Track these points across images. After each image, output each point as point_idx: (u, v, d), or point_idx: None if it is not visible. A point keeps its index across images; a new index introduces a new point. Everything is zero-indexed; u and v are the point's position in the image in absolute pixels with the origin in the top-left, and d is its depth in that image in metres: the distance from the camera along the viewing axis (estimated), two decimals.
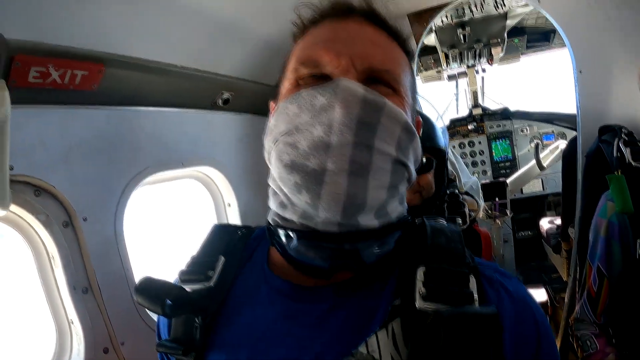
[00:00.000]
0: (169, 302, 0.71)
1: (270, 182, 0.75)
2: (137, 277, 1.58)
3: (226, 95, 2.03)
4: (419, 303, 0.64)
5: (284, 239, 0.72)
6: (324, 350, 0.66)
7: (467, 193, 1.87)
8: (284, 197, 0.71)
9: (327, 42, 0.74)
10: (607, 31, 2.07)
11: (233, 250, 0.83)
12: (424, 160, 1.55)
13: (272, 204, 0.75)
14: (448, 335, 0.59)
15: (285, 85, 0.77)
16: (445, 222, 0.79)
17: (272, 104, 0.84)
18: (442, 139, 1.66)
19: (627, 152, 1.59)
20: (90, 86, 1.34)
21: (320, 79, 0.72)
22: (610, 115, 2.08)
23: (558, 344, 2.66)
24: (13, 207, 1.25)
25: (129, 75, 1.50)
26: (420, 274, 0.67)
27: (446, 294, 0.64)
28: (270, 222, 0.75)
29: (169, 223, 2.36)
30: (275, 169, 0.71)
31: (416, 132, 0.75)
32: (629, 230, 1.49)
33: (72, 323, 1.41)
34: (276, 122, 0.72)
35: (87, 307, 1.42)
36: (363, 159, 0.66)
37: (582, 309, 1.65)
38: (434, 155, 1.60)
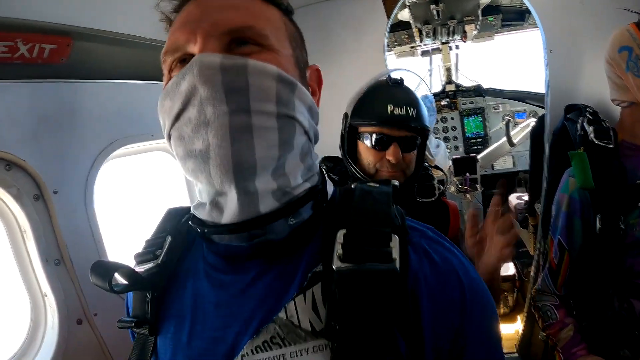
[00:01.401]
0: (117, 278, 0.76)
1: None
2: (109, 249, 1.61)
3: None
4: (335, 264, 0.65)
5: (200, 230, 0.75)
6: (250, 317, 0.69)
7: (435, 166, 1.90)
8: (197, 185, 0.72)
9: (182, 24, 0.71)
10: (578, 12, 2.11)
11: (179, 230, 0.86)
12: (408, 139, 1.56)
13: (197, 192, 0.76)
14: (345, 291, 0.62)
15: (164, 81, 0.74)
16: (377, 185, 0.78)
17: None
18: (428, 117, 1.66)
19: (590, 130, 1.62)
20: (58, 59, 1.33)
21: (186, 61, 0.69)
22: (578, 95, 2.11)
23: (524, 316, 2.76)
24: None
25: (98, 48, 1.49)
26: (340, 236, 0.67)
27: (362, 254, 0.65)
28: (194, 211, 0.76)
29: (141, 195, 2.35)
30: (179, 163, 0.71)
31: (296, 81, 0.72)
32: (590, 205, 1.53)
33: (46, 296, 1.43)
34: (162, 120, 0.72)
35: (59, 280, 1.43)
36: (241, 123, 0.64)
37: (544, 281, 1.70)
38: (419, 134, 1.61)
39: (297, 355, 0.65)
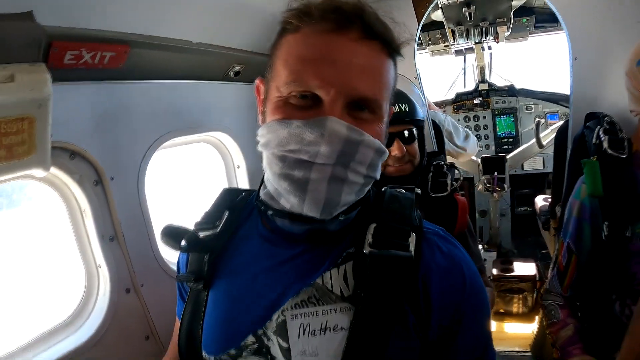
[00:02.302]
0: (184, 241, 0.94)
1: (266, 171, 0.88)
2: (156, 228, 1.78)
3: (237, 67, 2.15)
4: (366, 249, 0.84)
5: (270, 213, 0.89)
6: (291, 281, 0.87)
7: (453, 165, 1.98)
8: (279, 192, 0.85)
9: (319, 64, 0.78)
10: (605, 20, 2.13)
11: (236, 207, 1.04)
12: (406, 133, 1.74)
13: (270, 186, 0.88)
14: (373, 269, 0.81)
15: (275, 94, 0.84)
16: (403, 191, 0.98)
17: (259, 84, 0.93)
18: (421, 111, 1.83)
19: (605, 139, 1.64)
20: (117, 64, 1.48)
21: (309, 99, 0.80)
22: (602, 103, 2.13)
23: (540, 316, 2.78)
24: (52, 169, 1.41)
25: (151, 53, 1.63)
26: (371, 228, 0.87)
27: (387, 244, 0.84)
28: (262, 197, 0.92)
29: (186, 181, 2.54)
30: (268, 171, 0.86)
31: (385, 149, 0.87)
32: (599, 212, 1.55)
33: (100, 267, 1.60)
34: (268, 135, 0.83)
35: (113, 253, 1.60)
36: (340, 174, 0.80)
37: (552, 281, 1.75)
38: (414, 125, 1.79)
39: (327, 313, 0.84)
